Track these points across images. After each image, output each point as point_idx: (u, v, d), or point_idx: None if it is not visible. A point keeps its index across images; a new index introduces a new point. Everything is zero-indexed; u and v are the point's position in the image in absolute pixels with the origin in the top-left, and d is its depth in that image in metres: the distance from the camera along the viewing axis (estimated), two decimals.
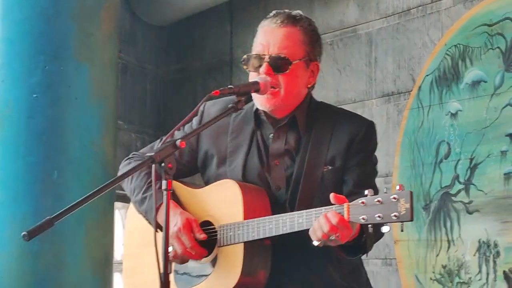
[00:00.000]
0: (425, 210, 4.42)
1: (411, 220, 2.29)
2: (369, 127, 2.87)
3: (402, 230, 2.34)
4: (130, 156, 3.07)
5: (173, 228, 2.74)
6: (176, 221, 2.76)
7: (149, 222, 2.88)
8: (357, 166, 2.80)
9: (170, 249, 2.75)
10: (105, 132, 4.38)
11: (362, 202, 2.41)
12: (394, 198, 2.35)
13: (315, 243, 2.50)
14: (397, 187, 2.37)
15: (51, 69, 4.17)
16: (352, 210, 2.43)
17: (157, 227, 2.52)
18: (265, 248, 2.74)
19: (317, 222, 2.47)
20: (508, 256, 4.07)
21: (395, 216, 2.34)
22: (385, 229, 2.40)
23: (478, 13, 4.27)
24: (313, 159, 2.79)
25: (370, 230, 2.41)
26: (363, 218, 2.40)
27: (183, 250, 2.75)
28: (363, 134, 2.83)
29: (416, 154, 4.49)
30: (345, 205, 2.45)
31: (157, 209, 2.62)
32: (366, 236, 2.56)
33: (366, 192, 2.43)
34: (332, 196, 2.48)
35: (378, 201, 2.38)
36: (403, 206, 2.33)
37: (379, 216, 2.37)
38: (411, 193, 2.32)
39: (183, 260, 2.82)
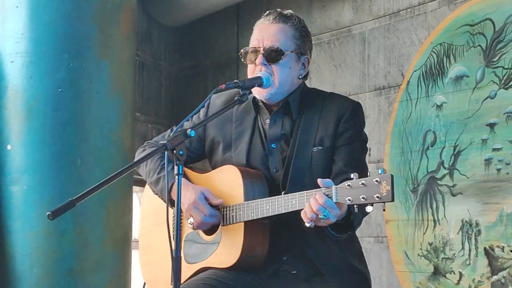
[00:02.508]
0: (413, 192, 4.41)
1: (392, 201, 2.29)
2: (355, 106, 2.84)
3: (384, 210, 2.34)
4: (144, 144, 3.07)
5: (189, 201, 2.74)
6: (190, 195, 2.76)
7: (164, 201, 2.86)
8: (345, 144, 2.78)
9: (191, 220, 2.77)
10: (123, 123, 4.40)
11: (348, 185, 2.41)
12: (377, 181, 2.35)
13: (307, 224, 2.49)
14: (380, 171, 2.36)
15: (74, 66, 4.18)
16: (339, 192, 2.43)
17: (171, 203, 2.52)
18: (264, 226, 2.74)
19: (308, 204, 2.47)
20: (488, 234, 4.07)
21: (377, 197, 2.34)
22: (368, 209, 2.41)
23: (461, 14, 4.27)
24: (303, 141, 2.78)
25: (356, 209, 2.41)
26: (348, 199, 2.40)
27: (202, 217, 2.75)
28: (350, 113, 2.80)
29: (405, 142, 4.48)
30: (333, 187, 2.45)
31: (171, 188, 2.64)
32: (353, 216, 2.55)
33: (352, 175, 2.43)
34: (318, 181, 2.48)
35: (362, 183, 2.38)
36: (385, 188, 2.32)
37: (363, 197, 2.37)
38: (392, 176, 2.32)
39: (203, 227, 2.82)
